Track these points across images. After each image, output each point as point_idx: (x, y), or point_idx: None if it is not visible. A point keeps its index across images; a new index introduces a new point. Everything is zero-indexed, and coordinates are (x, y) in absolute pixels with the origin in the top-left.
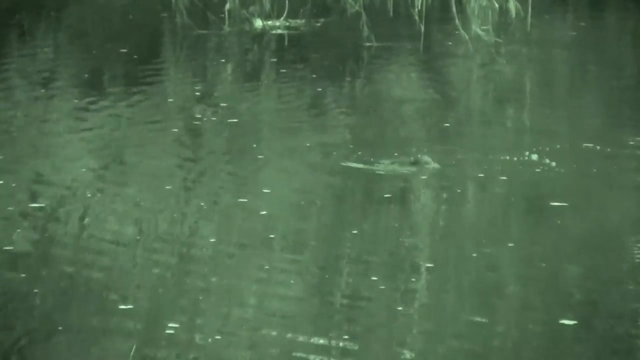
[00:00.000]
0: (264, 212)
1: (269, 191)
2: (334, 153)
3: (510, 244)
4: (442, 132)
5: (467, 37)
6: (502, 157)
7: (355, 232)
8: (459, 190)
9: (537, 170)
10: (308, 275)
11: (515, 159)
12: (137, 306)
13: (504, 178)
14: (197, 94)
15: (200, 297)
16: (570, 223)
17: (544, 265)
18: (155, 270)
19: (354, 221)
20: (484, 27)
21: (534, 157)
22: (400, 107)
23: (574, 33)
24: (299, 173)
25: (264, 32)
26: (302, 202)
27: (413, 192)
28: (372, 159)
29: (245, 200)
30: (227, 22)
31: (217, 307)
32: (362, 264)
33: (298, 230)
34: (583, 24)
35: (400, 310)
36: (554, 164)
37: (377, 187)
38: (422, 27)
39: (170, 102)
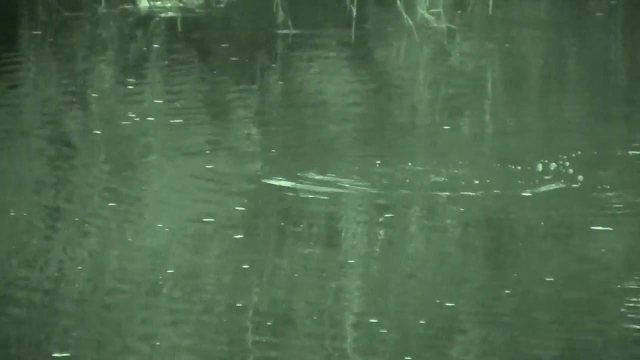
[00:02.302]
0: (149, 247)
1: (155, 219)
2: (241, 167)
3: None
4: (384, 142)
5: (411, 22)
6: (485, 169)
7: (265, 275)
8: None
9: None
10: (205, 331)
11: (510, 169)
12: None
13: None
14: (65, 93)
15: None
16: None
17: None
18: (12, 330)
19: (265, 260)
20: (434, 10)
21: (552, 166)
22: (324, 110)
23: (549, 16)
24: (196, 193)
25: (150, 14)
26: (199, 234)
27: (350, 221)
28: (292, 176)
29: (126, 231)
30: (102, 1)
31: None
32: (273, 318)
33: (194, 271)
34: (559, 4)
35: None
36: (580, 177)
37: (298, 214)
38: (354, 11)
39: (29, 104)
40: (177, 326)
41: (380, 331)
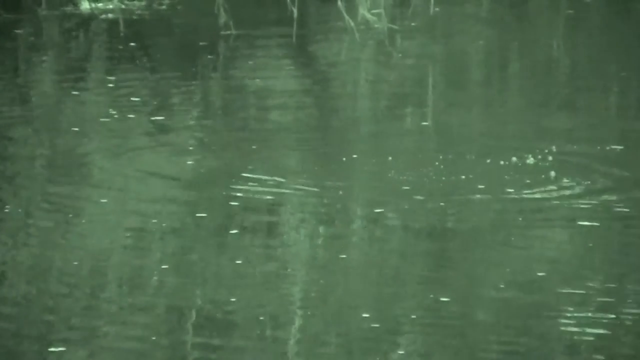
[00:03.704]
0: (89, 248)
1: (97, 219)
2: (184, 166)
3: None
4: (325, 141)
5: (352, 23)
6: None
7: (207, 276)
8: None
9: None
10: (146, 332)
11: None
12: None
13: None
14: (5, 94)
15: None
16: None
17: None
18: None
19: (207, 261)
20: (375, 11)
21: (530, 160)
22: (266, 112)
23: (486, 19)
24: (138, 193)
25: (92, 16)
26: (141, 234)
27: (292, 222)
28: (234, 174)
29: (67, 231)
30: (43, 4)
31: None
32: (214, 319)
33: (135, 272)
34: (497, 9)
35: None
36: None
37: (241, 213)
38: (295, 11)
39: None
40: (118, 327)
41: (322, 335)
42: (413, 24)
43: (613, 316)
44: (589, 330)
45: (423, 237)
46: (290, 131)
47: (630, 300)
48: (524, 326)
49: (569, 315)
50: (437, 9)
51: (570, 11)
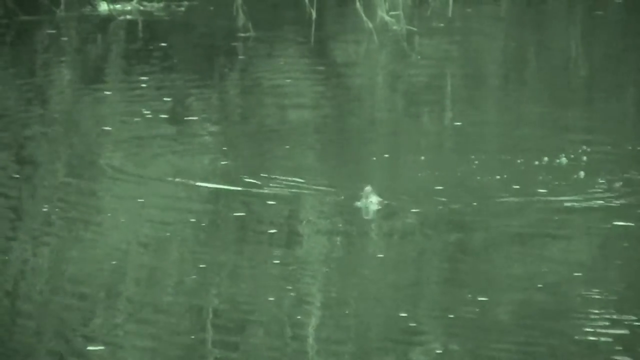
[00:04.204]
0: (111, 249)
1: (117, 220)
2: (198, 172)
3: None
4: (344, 142)
5: (370, 25)
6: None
7: (226, 276)
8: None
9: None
10: (166, 332)
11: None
12: None
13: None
14: (23, 98)
15: None
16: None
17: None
18: None
19: (226, 262)
20: (393, 13)
21: (563, 160)
22: (285, 113)
23: (505, 20)
24: (149, 199)
25: (110, 17)
26: (158, 236)
27: (307, 225)
28: (253, 175)
29: (88, 232)
30: (62, 5)
31: None
32: (233, 319)
33: (154, 273)
34: (516, 10)
35: None
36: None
37: (260, 214)
38: (314, 13)
39: None
40: (137, 326)
41: (339, 335)
42: (433, 25)
43: (635, 318)
44: (611, 331)
45: (450, 237)
46: (310, 132)
47: None
48: (547, 327)
49: (591, 317)
50: (468, 9)
51: (600, 12)
